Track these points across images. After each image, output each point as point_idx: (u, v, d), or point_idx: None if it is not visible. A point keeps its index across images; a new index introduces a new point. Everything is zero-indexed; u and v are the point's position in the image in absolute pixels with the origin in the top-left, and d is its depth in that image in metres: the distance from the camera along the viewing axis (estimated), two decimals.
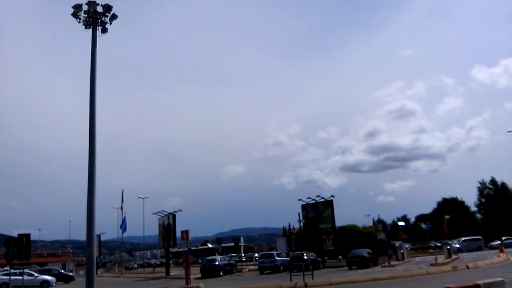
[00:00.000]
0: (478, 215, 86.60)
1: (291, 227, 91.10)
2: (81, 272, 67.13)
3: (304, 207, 47.02)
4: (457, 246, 53.49)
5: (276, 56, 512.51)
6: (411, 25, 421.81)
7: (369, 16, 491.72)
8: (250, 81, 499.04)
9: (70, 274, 53.35)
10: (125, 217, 60.97)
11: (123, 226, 60.56)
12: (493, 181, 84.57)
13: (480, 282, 13.65)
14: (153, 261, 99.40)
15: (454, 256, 41.10)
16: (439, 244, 56.36)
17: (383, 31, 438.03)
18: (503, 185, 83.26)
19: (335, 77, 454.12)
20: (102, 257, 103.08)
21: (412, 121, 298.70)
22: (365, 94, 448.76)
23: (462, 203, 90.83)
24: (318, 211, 46.64)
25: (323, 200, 46.17)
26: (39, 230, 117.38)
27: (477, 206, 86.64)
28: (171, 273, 48.91)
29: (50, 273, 44.84)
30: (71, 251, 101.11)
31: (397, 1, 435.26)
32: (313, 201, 46.43)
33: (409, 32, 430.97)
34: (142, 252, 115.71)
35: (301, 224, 49.07)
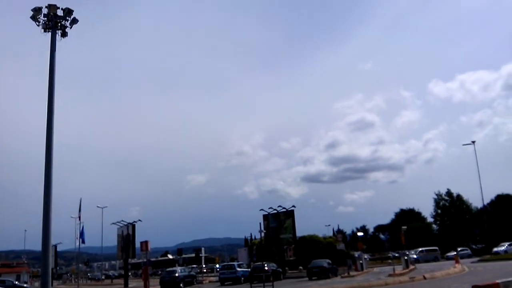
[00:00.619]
0: (434, 226, 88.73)
1: (253, 237, 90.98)
2: (36, 284, 64.76)
3: (265, 217, 47.07)
4: (415, 256, 54.63)
5: (240, 64, 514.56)
6: (371, 39, 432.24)
7: (331, 28, 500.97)
8: (213, 89, 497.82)
9: (25, 285, 51.41)
10: (83, 227, 59.37)
11: (82, 237, 58.94)
12: (449, 193, 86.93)
13: None
14: (111, 272, 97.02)
15: (411, 267, 41.83)
16: (397, 255, 57.38)
17: (345, 44, 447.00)
18: (459, 196, 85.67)
19: (298, 88, 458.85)
20: (58, 268, 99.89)
21: (371, 133, 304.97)
22: (326, 105, 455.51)
23: (419, 214, 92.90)
24: (279, 221, 46.74)
25: (284, 210, 46.31)
26: None
27: (433, 217, 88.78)
28: (129, 285, 47.88)
29: (4, 285, 43.26)
30: (26, 261, 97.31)
31: (358, 14, 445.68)
32: (275, 211, 46.53)
33: (370, 45, 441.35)
34: (100, 263, 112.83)
35: (263, 235, 49.29)
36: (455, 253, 51.00)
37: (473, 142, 57.97)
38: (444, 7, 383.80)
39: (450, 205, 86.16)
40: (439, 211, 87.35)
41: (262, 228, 47.73)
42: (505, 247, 53.24)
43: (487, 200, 71.72)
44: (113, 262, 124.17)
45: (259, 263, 38.52)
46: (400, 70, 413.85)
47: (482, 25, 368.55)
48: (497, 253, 52.12)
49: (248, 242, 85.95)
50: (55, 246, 64.98)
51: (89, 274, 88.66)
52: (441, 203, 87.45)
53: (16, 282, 51.21)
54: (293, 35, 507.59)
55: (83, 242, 58.23)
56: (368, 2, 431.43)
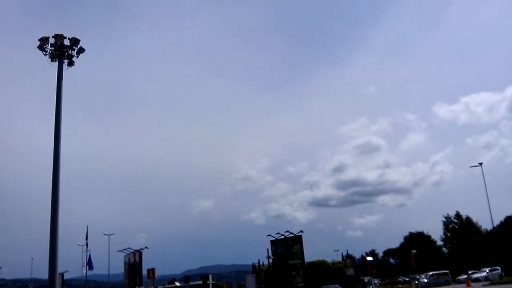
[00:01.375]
0: (444, 249, 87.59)
1: (261, 263, 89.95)
2: None
3: (273, 242, 46.69)
4: (425, 280, 53.73)
5: (245, 88, 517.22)
6: (373, 62, 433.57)
7: (332, 52, 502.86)
8: (218, 113, 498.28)
9: None
10: (90, 255, 59.11)
11: (89, 263, 58.66)
12: (458, 216, 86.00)
13: None
14: None
15: None
16: (407, 279, 56.54)
17: (347, 67, 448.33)
18: (468, 219, 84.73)
19: (302, 111, 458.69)
20: None
21: (377, 156, 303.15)
22: (331, 129, 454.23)
23: (428, 237, 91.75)
24: (287, 247, 46.32)
25: (292, 235, 45.96)
26: (0, 268, 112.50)
27: (443, 240, 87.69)
28: None
29: None
30: None
31: (358, 38, 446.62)
32: (282, 237, 46.18)
33: (372, 69, 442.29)
34: None
35: (270, 261, 48.82)
36: (466, 276, 50.11)
37: (480, 164, 57.45)
38: (445, 29, 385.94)
39: (460, 228, 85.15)
40: (448, 234, 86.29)
41: (270, 254, 47.34)
42: (485, 273, 52.70)
43: (496, 222, 70.53)
44: None
45: None
46: (403, 93, 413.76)
47: (484, 46, 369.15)
48: (477, 279, 51.32)
49: (256, 269, 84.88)
50: (62, 274, 64.26)
51: None
52: (450, 226, 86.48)
53: None
54: (296, 59, 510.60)
55: (90, 268, 57.91)
56: (368, 25, 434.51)
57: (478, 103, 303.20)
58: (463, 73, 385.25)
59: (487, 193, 54.55)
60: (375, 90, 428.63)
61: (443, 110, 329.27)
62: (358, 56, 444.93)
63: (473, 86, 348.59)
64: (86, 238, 60.64)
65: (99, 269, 69.02)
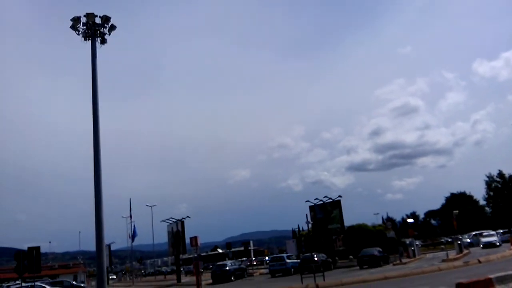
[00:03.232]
0: (487, 209, 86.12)
1: (300, 228, 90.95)
2: (93, 283, 67.19)
3: (312, 208, 46.90)
4: (468, 240, 53.11)
5: (276, 58, 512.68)
6: (410, 22, 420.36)
7: (367, 14, 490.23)
8: (251, 84, 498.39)
9: (82, 285, 53.33)
10: (134, 226, 61.28)
11: (135, 234, 60.96)
12: (500, 174, 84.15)
13: (492, 276, 13.49)
14: (164, 268, 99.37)
15: (465, 251, 40.80)
16: (449, 240, 55.96)
17: (382, 29, 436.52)
18: (511, 177, 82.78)
19: (336, 77, 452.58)
20: (113, 266, 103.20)
21: (416, 118, 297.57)
22: (367, 92, 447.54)
23: (470, 197, 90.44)
24: (326, 212, 46.49)
25: (330, 200, 46.04)
26: (49, 242, 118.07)
27: (486, 199, 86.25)
28: (182, 280, 48.87)
29: (62, 285, 44.93)
30: (82, 262, 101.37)
31: None
32: (321, 202, 46.30)
33: (408, 28, 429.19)
34: (153, 260, 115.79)
35: (310, 226, 49.19)
36: (510, 235, 49.09)
37: None
38: None
39: (503, 187, 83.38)
40: (491, 193, 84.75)
41: (309, 219, 47.63)
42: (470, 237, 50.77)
43: None
44: (165, 258, 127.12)
45: (308, 254, 38.46)
46: (441, 51, 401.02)
47: None
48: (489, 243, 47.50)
49: (296, 234, 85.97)
50: (109, 246, 67.02)
51: (142, 271, 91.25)
52: (493, 185, 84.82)
53: (74, 282, 53.24)
54: (328, 23, 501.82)
55: (132, 238, 60.25)
56: None
57: None
58: (503, 27, 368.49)
59: None
60: (411, 49, 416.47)
61: (483, 67, 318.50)
62: (392, 15, 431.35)
63: None
64: (130, 210, 62.73)
65: (144, 239, 71.62)
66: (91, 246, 31.55)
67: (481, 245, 46.81)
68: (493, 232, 51.67)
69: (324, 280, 25.86)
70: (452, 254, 37.80)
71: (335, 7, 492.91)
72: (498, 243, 45.93)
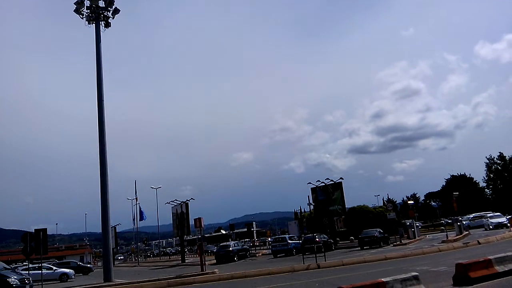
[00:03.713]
0: (487, 191, 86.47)
1: (303, 210, 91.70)
2: (99, 264, 68.24)
3: (313, 190, 47.37)
4: (464, 223, 53.54)
5: (278, 41, 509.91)
6: (412, 4, 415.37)
7: None
8: (254, 68, 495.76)
9: (88, 265, 54.17)
10: (140, 207, 62.05)
11: (141, 215, 61.86)
12: (501, 156, 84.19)
13: (491, 257, 13.83)
14: (168, 249, 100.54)
15: (465, 232, 41.30)
16: (449, 221, 56.45)
17: (384, 11, 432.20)
18: (511, 159, 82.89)
19: (338, 60, 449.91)
20: (118, 247, 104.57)
21: (417, 100, 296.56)
22: (369, 75, 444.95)
23: (470, 179, 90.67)
24: (327, 194, 46.95)
25: (332, 182, 46.45)
26: (56, 224, 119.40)
27: (486, 181, 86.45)
28: (186, 261, 49.62)
29: (69, 266, 45.62)
30: (88, 243, 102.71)
31: None
32: (323, 184, 46.73)
33: (411, 11, 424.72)
34: (158, 241, 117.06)
35: (312, 207, 49.75)
36: (510, 216, 49.55)
37: None
38: None
39: (503, 169, 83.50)
40: (491, 175, 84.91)
41: (311, 201, 48.16)
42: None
43: None
44: (169, 239, 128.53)
45: (310, 234, 39.01)
46: (443, 33, 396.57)
47: None
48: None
49: (298, 215, 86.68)
50: (115, 227, 67.91)
51: (148, 253, 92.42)
52: (493, 167, 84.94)
53: (80, 263, 54.13)
54: (331, 6, 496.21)
55: (142, 218, 61.13)
56: None
57: None
58: (505, 9, 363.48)
59: None
60: (414, 32, 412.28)
61: (485, 49, 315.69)
62: None
63: None
64: (135, 192, 63.42)
65: (149, 221, 72.37)
66: (97, 228, 32.15)
67: (491, 226, 47.22)
68: (499, 214, 52.03)
69: (325, 260, 26.35)
70: (452, 235, 38.30)
71: None
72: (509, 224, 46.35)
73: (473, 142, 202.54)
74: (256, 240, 62.13)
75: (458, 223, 41.79)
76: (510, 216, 52.09)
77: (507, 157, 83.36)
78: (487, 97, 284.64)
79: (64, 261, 54.50)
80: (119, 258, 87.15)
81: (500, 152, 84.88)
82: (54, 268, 40.39)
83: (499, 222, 47.47)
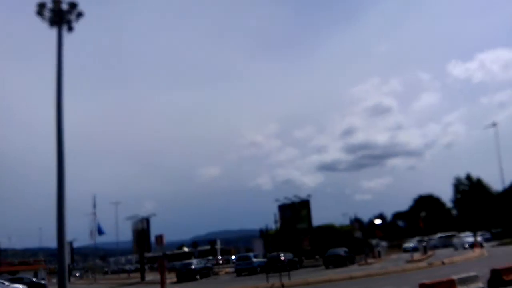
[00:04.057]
0: (454, 211, 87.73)
1: (268, 228, 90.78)
2: (54, 280, 65.42)
3: (280, 207, 46.81)
4: (434, 243, 53.96)
5: (249, 54, 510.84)
6: (385, 19, 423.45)
7: (341, 10, 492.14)
8: (222, 80, 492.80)
9: (42, 282, 51.85)
10: (99, 223, 60.03)
11: (100, 230, 59.77)
12: (468, 177, 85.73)
13: (454, 277, 13.86)
14: (128, 266, 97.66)
15: (430, 253, 41.42)
16: (414, 245, 56.80)
17: (357, 26, 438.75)
18: (479, 181, 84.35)
19: (310, 75, 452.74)
20: (75, 264, 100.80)
21: (388, 118, 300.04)
22: (340, 91, 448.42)
23: (437, 199, 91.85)
24: (294, 211, 46.48)
25: (299, 200, 46.02)
26: (9, 238, 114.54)
27: (453, 202, 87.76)
28: (146, 278, 48.06)
29: (22, 282, 43.55)
30: (42, 259, 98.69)
31: None
32: (290, 201, 46.26)
33: (383, 26, 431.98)
34: (117, 257, 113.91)
35: (278, 225, 49.08)
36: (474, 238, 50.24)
37: (494, 124, 56.85)
38: None
39: (470, 190, 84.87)
40: (458, 196, 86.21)
41: (277, 219, 47.55)
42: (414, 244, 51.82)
43: (508, 183, 70.23)
44: (129, 256, 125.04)
45: (275, 253, 38.31)
46: (417, 51, 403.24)
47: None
48: (406, 249, 50.27)
49: (263, 233, 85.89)
50: (71, 243, 65.51)
51: (106, 269, 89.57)
52: (460, 188, 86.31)
53: (34, 279, 51.74)
54: (303, 20, 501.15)
55: (101, 233, 59.10)
56: None
57: (494, 60, 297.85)
58: (479, 28, 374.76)
59: (499, 153, 54.16)
60: (386, 48, 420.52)
61: (458, 69, 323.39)
62: (368, 13, 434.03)
63: (490, 41, 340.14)
64: (94, 207, 61.43)
65: (108, 237, 70.15)
66: (52, 243, 30.54)
67: (466, 246, 47.60)
68: (470, 234, 52.72)
69: (290, 279, 25.71)
70: (417, 255, 38.29)
71: (310, 2, 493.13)
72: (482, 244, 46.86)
73: (442, 161, 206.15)
74: (220, 258, 60.92)
75: (424, 244, 41.92)
76: (485, 236, 53.08)
77: (474, 178, 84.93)
78: (457, 117, 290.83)
79: (17, 276, 51.99)
80: (76, 275, 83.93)
81: (467, 173, 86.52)
82: (7, 283, 38.50)
83: (472, 242, 48.04)
